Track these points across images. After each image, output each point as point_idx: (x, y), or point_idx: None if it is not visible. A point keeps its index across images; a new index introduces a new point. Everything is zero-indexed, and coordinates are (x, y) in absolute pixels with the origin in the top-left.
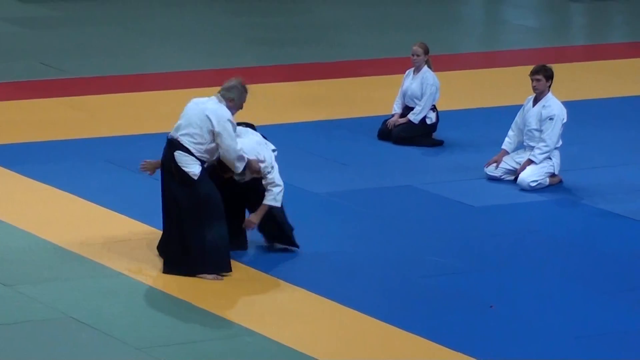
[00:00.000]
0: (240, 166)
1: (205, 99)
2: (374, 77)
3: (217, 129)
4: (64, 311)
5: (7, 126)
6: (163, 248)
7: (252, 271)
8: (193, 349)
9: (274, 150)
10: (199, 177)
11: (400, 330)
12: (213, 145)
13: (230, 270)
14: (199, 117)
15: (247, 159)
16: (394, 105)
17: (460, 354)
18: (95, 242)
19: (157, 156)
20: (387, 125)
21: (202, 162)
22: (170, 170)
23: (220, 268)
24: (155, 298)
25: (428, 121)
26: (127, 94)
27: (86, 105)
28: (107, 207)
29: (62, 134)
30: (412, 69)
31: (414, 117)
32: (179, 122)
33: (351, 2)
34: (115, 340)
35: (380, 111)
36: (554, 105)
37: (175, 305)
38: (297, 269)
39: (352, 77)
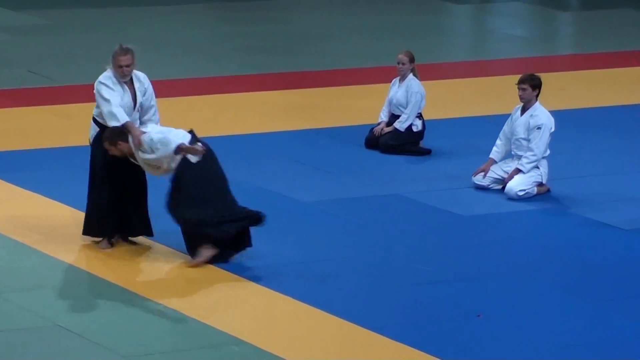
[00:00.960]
0: (110, 123)
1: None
2: (360, 86)
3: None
4: (51, 319)
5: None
6: None
7: (239, 279)
8: (180, 358)
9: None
10: (92, 140)
11: (388, 339)
12: None
13: (100, 237)
14: None
15: (128, 124)
16: (381, 114)
17: None
18: (82, 249)
19: None
20: (374, 133)
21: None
22: None
23: (89, 232)
24: (143, 306)
25: (414, 129)
26: None
27: (73, 113)
28: None
29: (49, 142)
30: (398, 77)
31: (399, 124)
32: None
33: (337, 12)
34: (102, 349)
35: (366, 120)
36: (541, 114)
37: (163, 314)
38: (284, 277)
39: (338, 86)
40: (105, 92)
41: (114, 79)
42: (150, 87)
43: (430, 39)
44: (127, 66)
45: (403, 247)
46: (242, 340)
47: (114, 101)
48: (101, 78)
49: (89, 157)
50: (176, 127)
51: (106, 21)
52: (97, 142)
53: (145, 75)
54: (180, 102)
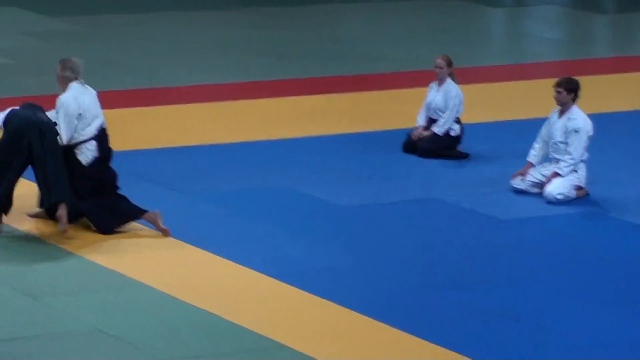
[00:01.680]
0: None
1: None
2: (397, 90)
3: None
4: (91, 323)
5: None
6: None
7: (277, 282)
8: None
9: None
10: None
11: (427, 342)
12: None
13: None
14: None
15: None
16: (418, 118)
17: None
18: (123, 254)
19: (190, 170)
20: (411, 137)
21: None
22: None
23: None
24: (184, 310)
25: (452, 133)
26: (147, 108)
27: (106, 119)
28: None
29: None
30: (436, 81)
31: (437, 129)
32: None
33: (373, 17)
34: (143, 353)
35: (404, 124)
36: (579, 117)
37: (205, 318)
38: (323, 280)
39: (375, 91)
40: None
41: None
42: None
43: (466, 42)
44: None
45: (441, 250)
46: (284, 344)
47: None
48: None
49: None
50: (214, 133)
51: (136, 28)
52: None
53: None
54: (217, 107)
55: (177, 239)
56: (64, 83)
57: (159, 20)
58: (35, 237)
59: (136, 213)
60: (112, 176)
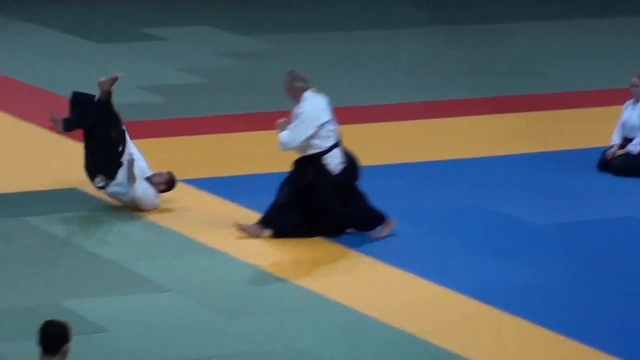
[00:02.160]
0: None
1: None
2: (589, 108)
3: None
4: (287, 342)
5: (228, 159)
6: None
7: (468, 301)
8: None
9: None
10: None
11: None
12: None
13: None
14: None
15: None
16: (613, 137)
17: None
18: (320, 274)
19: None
20: (606, 156)
21: None
22: None
23: None
24: (377, 331)
25: None
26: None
27: None
28: (334, 241)
29: (283, 165)
30: (631, 99)
31: (633, 147)
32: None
33: (560, 35)
34: None
35: (598, 143)
36: None
37: (400, 337)
38: (521, 301)
39: (566, 109)
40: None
41: None
42: None
43: None
44: None
45: (637, 271)
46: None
47: None
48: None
49: None
50: (408, 152)
51: (333, 47)
52: None
53: None
54: (405, 126)
55: (375, 258)
56: (297, 94)
57: (354, 38)
58: (233, 257)
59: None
60: (355, 180)
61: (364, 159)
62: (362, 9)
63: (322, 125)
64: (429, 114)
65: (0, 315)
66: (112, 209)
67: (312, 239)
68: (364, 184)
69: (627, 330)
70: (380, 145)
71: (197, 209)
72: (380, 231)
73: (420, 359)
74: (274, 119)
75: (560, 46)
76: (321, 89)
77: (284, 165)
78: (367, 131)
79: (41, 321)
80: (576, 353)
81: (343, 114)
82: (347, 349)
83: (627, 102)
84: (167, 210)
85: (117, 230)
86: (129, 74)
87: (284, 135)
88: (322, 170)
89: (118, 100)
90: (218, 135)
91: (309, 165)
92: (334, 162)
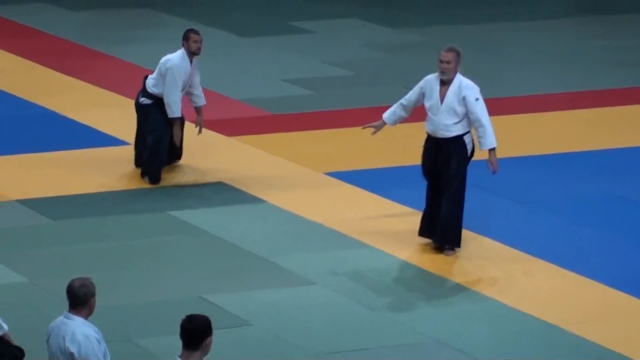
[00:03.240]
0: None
1: None
2: None
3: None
4: (432, 336)
5: (375, 151)
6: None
7: (617, 294)
8: None
9: None
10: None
11: None
12: None
13: None
14: None
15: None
16: None
17: None
18: (460, 263)
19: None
20: None
21: None
22: None
23: None
24: (519, 320)
25: None
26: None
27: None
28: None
29: None
30: None
31: None
32: None
33: None
34: None
35: None
36: None
37: (544, 328)
38: None
39: None
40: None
41: None
42: None
43: None
44: None
45: None
46: (622, 355)
47: None
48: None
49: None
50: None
51: (478, 37)
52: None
53: None
54: (556, 117)
55: (518, 250)
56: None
57: (499, 29)
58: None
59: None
60: None
61: (512, 151)
62: (509, 1)
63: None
64: (576, 104)
65: (143, 309)
66: (256, 201)
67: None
68: (513, 175)
69: None
70: (528, 136)
71: (342, 202)
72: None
73: (564, 350)
74: (418, 111)
75: None
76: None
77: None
78: (517, 122)
79: (184, 315)
80: None
81: (490, 105)
82: (493, 341)
83: None
84: (312, 202)
85: (260, 223)
86: (276, 67)
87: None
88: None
89: (265, 94)
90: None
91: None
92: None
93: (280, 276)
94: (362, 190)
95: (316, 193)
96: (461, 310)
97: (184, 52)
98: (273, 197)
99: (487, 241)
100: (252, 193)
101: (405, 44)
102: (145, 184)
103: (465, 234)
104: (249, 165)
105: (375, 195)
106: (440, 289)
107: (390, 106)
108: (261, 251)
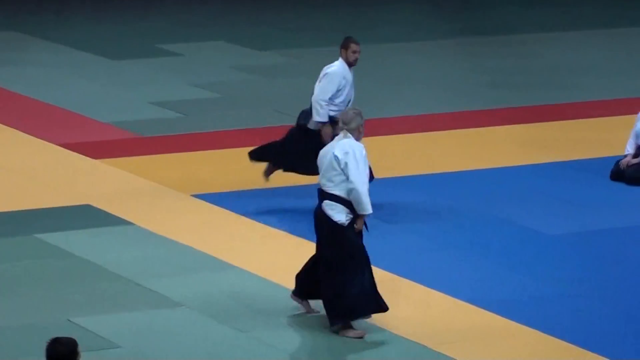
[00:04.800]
0: (366, 202)
1: (331, 143)
2: (604, 118)
3: (343, 159)
4: (300, 357)
5: (246, 173)
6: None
7: (485, 313)
8: None
9: None
10: (347, 225)
11: None
12: None
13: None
14: (329, 159)
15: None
16: (627, 146)
17: None
18: None
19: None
20: (619, 165)
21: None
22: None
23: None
24: (386, 339)
25: None
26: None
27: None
28: None
29: (300, 179)
30: None
31: None
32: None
33: (581, 46)
34: None
35: (611, 152)
36: None
37: (410, 349)
38: (531, 309)
39: (582, 119)
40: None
41: None
42: None
43: None
44: None
45: None
46: None
47: None
48: (354, 144)
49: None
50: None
51: None
52: (351, 226)
53: None
54: (423, 138)
55: (387, 271)
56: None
57: (369, 52)
58: None
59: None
60: None
61: (383, 172)
62: (378, 22)
63: None
64: (447, 125)
65: (9, 332)
66: (123, 223)
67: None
68: (383, 197)
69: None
70: (398, 157)
71: (210, 224)
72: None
73: None
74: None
75: (577, 56)
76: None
77: (298, 179)
78: (387, 143)
79: (50, 338)
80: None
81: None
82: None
83: None
84: (179, 225)
85: (128, 245)
86: (144, 89)
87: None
88: None
89: (133, 117)
90: (232, 149)
91: None
92: None
93: (147, 298)
94: (230, 212)
95: (184, 215)
96: (329, 332)
97: (342, 61)
98: (141, 220)
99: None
100: (120, 215)
101: (272, 65)
102: (9, 208)
103: None
104: (117, 188)
105: (242, 217)
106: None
107: (260, 128)
108: (128, 274)
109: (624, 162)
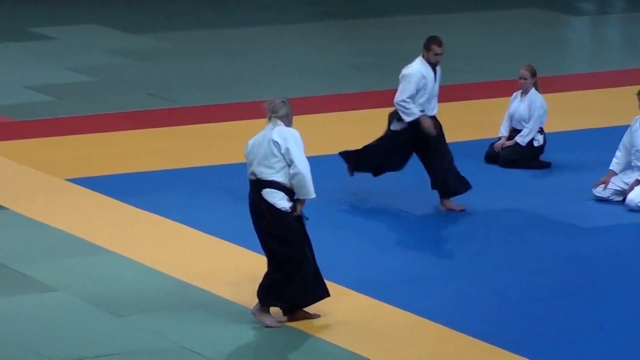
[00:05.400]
0: (310, 186)
1: (261, 132)
2: (480, 100)
3: (284, 145)
4: (176, 341)
5: (117, 157)
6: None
7: (346, 290)
8: None
9: None
10: (290, 211)
11: (511, 353)
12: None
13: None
14: (267, 146)
15: None
16: (501, 128)
17: None
18: (206, 271)
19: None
20: (494, 148)
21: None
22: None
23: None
24: (265, 330)
25: (535, 143)
26: (237, 122)
27: (192, 134)
28: (218, 237)
29: (171, 163)
30: (520, 91)
31: (521, 139)
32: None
33: (458, 29)
34: None
35: (487, 134)
36: None
37: (288, 335)
38: (397, 289)
39: (457, 101)
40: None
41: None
42: None
43: (549, 52)
44: None
45: (524, 260)
46: (350, 351)
47: None
48: (290, 130)
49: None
50: None
51: (222, 44)
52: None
53: None
54: (299, 120)
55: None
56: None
57: (246, 35)
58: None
59: None
60: None
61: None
62: (252, 6)
63: None
64: (316, 108)
65: None
66: None
67: (193, 238)
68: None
69: (510, 320)
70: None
71: (85, 208)
72: None
73: (313, 353)
74: (160, 116)
75: (450, 39)
76: (212, 86)
77: (171, 163)
78: (257, 126)
79: None
80: (457, 342)
81: (231, 110)
82: (233, 345)
83: (515, 94)
84: (54, 209)
85: (3, 231)
86: (17, 73)
87: None
88: None
89: (6, 101)
90: (106, 133)
91: None
92: None
93: (23, 283)
94: (105, 196)
95: (58, 199)
96: (205, 315)
97: (422, 60)
98: (15, 205)
99: (217, 241)
100: None
101: (145, 49)
102: None
103: (198, 235)
104: None
105: (117, 202)
106: (182, 295)
107: (134, 112)
108: (3, 259)
109: (498, 144)
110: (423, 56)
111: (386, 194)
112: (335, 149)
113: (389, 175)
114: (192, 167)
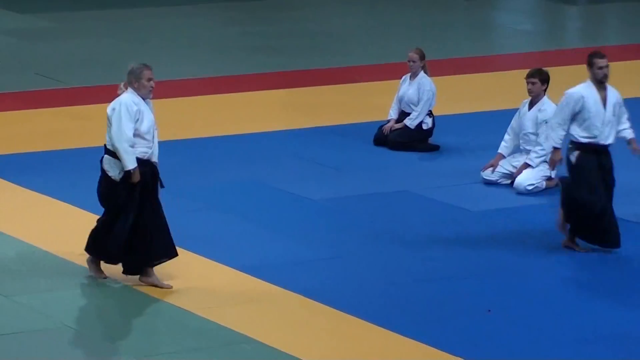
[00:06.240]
0: (125, 158)
1: None
2: (369, 83)
3: (111, 116)
4: (62, 321)
5: (4, 137)
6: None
7: (248, 278)
8: (190, 357)
9: None
10: (120, 180)
11: (397, 334)
12: None
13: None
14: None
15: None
16: (390, 111)
17: (457, 358)
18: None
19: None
20: (382, 131)
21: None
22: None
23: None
24: (152, 306)
25: (424, 126)
26: None
27: (83, 114)
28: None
29: (59, 143)
30: (409, 74)
31: (410, 122)
32: None
33: (348, 11)
34: (113, 350)
35: (376, 117)
36: (549, 108)
37: (172, 313)
38: (293, 275)
39: (347, 84)
40: (122, 115)
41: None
42: None
43: (439, 35)
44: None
45: (412, 243)
46: (252, 338)
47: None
48: (119, 100)
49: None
50: (185, 128)
51: (112, 24)
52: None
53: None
54: (190, 102)
55: None
56: None
57: (136, 16)
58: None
59: None
60: None
61: None
62: None
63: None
64: (210, 89)
65: None
66: None
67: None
68: None
69: (400, 303)
70: (158, 122)
71: None
72: None
73: (198, 335)
74: (48, 96)
75: (342, 22)
76: (104, 66)
77: (57, 144)
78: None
79: None
80: (351, 327)
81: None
82: (119, 326)
83: (404, 77)
84: None
85: None
86: None
87: None
88: None
89: None
90: None
91: None
92: None
93: None
94: None
95: None
96: (91, 295)
97: (588, 82)
98: None
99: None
100: None
101: (35, 29)
102: None
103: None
104: None
105: (3, 181)
106: (75, 275)
107: (22, 92)
108: None
109: (387, 127)
110: (589, 76)
111: (272, 177)
112: (228, 131)
113: (285, 161)
114: (79, 148)
